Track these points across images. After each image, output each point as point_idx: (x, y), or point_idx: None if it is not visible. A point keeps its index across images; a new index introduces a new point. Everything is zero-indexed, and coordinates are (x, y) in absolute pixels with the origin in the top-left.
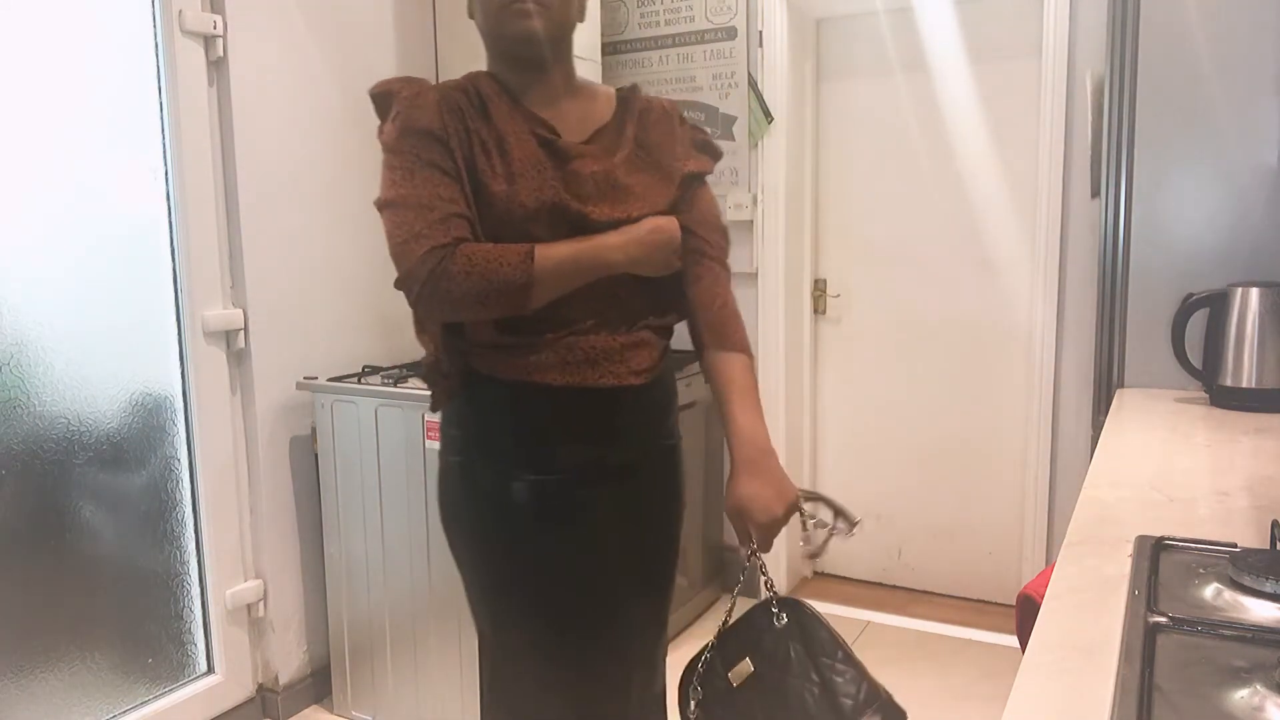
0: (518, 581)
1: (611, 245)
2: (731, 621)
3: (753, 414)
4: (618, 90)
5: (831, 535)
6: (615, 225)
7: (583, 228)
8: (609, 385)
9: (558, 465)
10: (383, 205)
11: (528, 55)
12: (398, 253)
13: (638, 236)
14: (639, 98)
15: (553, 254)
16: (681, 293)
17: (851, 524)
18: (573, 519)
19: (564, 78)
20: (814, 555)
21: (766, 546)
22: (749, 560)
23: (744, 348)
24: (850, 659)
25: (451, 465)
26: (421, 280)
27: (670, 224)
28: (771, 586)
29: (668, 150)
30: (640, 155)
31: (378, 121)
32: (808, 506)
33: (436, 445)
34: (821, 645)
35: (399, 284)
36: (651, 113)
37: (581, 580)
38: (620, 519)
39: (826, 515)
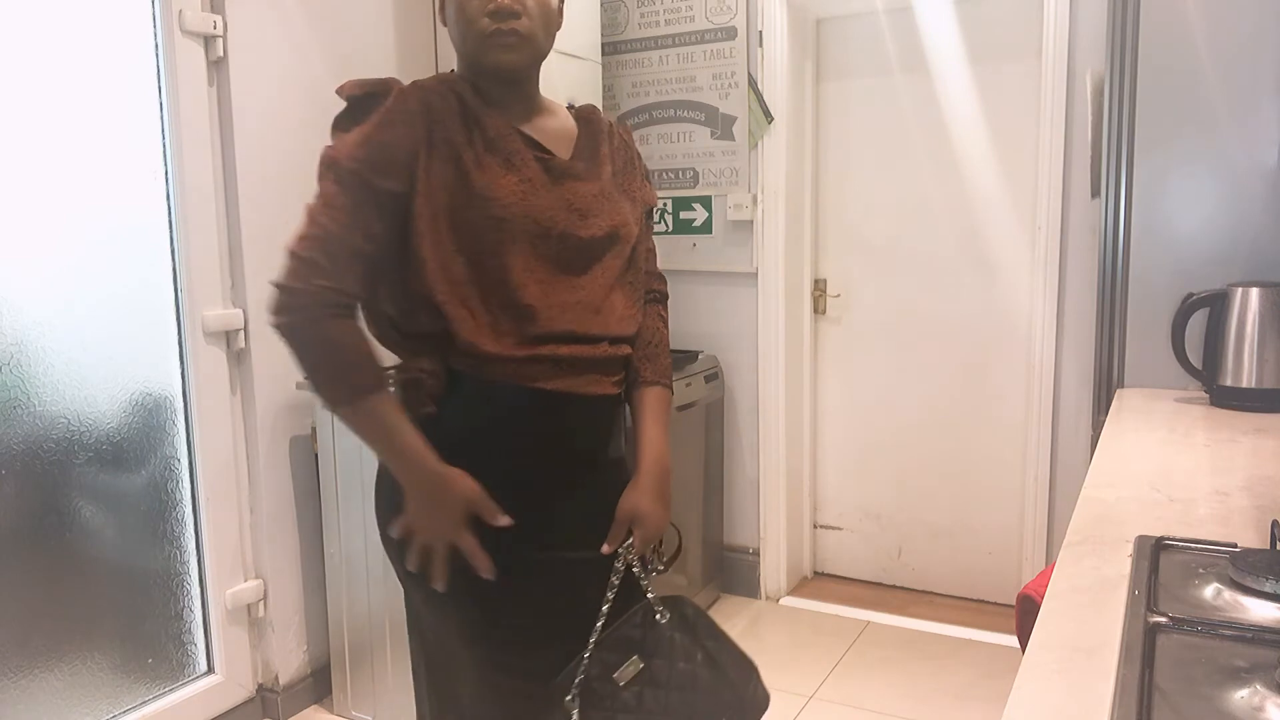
0: (505, 590)
1: (416, 468)
2: (606, 629)
3: (663, 433)
4: (571, 108)
5: (665, 567)
6: (602, 240)
7: (574, 245)
8: (594, 394)
9: (546, 470)
10: (313, 212)
11: (506, 80)
12: (295, 265)
13: (442, 494)
14: (602, 119)
15: (379, 413)
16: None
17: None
18: (555, 522)
19: (536, 94)
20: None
21: (641, 551)
22: (629, 564)
23: (668, 381)
24: (727, 638)
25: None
26: (294, 309)
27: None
28: (649, 590)
29: (631, 177)
30: (616, 178)
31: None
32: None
33: None
34: (703, 629)
35: (278, 285)
36: (614, 137)
37: (560, 592)
38: (587, 525)
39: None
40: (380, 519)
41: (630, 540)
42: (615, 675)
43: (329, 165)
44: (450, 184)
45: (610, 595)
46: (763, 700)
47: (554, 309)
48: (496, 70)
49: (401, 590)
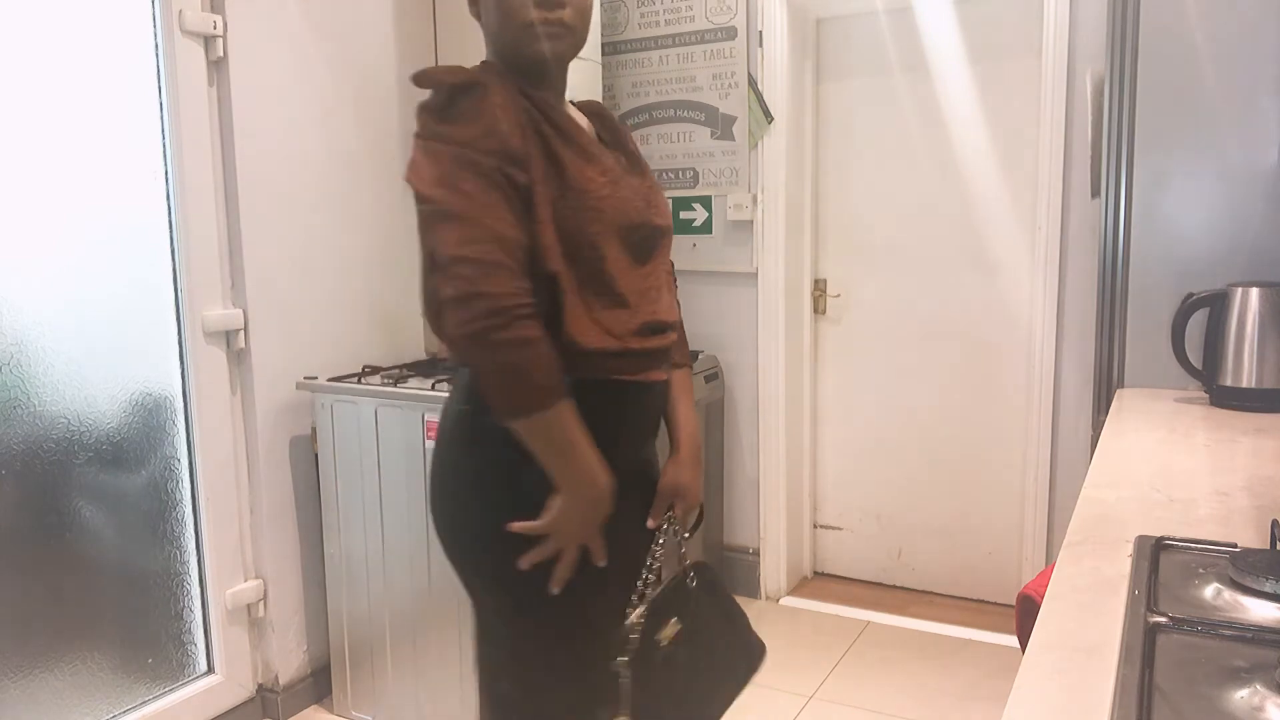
0: (590, 575)
1: (593, 480)
2: (654, 594)
3: (693, 412)
4: (579, 104)
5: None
6: (662, 229)
7: (647, 235)
8: (661, 380)
9: (629, 457)
10: (462, 210)
11: (547, 72)
12: (474, 271)
13: (602, 505)
14: (614, 115)
15: (566, 420)
16: None
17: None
18: (629, 507)
19: (565, 87)
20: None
21: (687, 523)
22: (672, 534)
23: (689, 362)
24: (732, 597)
25: (513, 461)
26: (489, 314)
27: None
28: (685, 557)
29: None
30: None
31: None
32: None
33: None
34: (721, 593)
35: (454, 299)
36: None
37: (623, 568)
38: (643, 506)
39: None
40: (461, 528)
41: (671, 512)
42: (658, 636)
43: (461, 162)
44: (546, 175)
45: (656, 564)
46: (762, 648)
47: (637, 296)
48: (541, 60)
49: (401, 591)
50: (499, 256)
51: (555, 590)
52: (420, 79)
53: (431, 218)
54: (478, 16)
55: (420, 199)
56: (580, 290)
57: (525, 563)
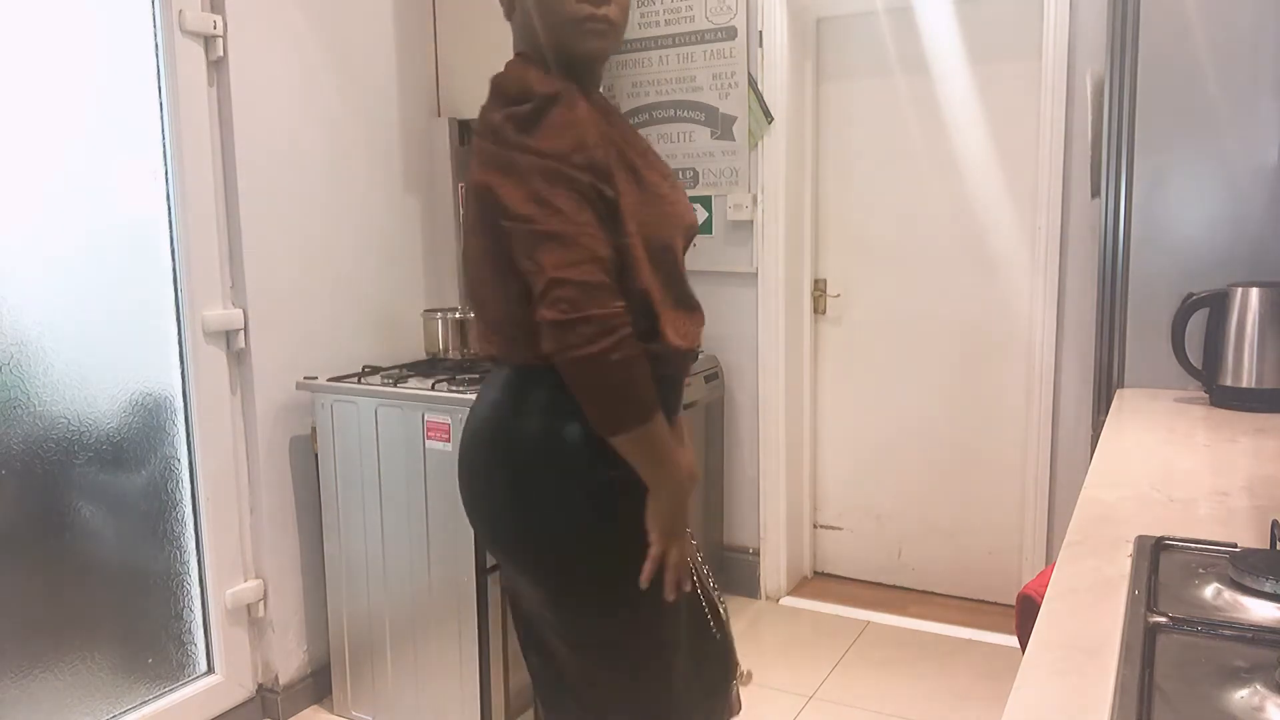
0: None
1: (684, 482)
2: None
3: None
4: None
5: None
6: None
7: (692, 236)
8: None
9: None
10: (544, 235)
11: (589, 69)
12: (580, 294)
13: (686, 508)
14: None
15: (664, 428)
16: None
17: None
18: None
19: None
20: None
21: None
22: None
23: None
24: None
25: (614, 478)
26: (603, 335)
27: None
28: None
29: None
30: None
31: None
32: None
33: (438, 445)
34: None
35: (559, 323)
36: None
37: None
38: None
39: None
40: (547, 540)
41: None
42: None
43: (552, 177)
44: (627, 185)
45: (693, 540)
46: None
47: (695, 296)
48: (586, 57)
49: (401, 591)
50: (600, 277)
51: (690, 589)
52: (507, 83)
53: (527, 238)
54: (509, 14)
55: (509, 215)
56: (665, 294)
57: (645, 579)
